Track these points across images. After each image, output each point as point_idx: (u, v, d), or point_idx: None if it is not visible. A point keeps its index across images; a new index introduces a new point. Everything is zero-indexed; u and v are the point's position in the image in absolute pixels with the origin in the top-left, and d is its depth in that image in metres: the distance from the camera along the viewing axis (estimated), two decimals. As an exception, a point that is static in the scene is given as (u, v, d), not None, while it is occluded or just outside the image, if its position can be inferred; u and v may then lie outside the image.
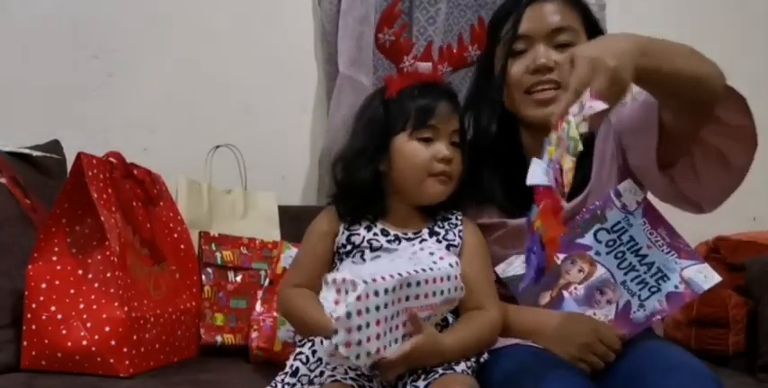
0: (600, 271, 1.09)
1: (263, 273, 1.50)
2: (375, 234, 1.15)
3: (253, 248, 1.55)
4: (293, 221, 1.68)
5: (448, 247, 1.15)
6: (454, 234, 1.16)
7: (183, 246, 1.46)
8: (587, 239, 1.13)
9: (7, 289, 1.28)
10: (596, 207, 1.15)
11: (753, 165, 1.99)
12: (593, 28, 1.26)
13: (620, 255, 1.12)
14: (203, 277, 1.46)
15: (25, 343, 1.22)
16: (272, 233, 1.67)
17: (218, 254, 1.49)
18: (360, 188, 1.15)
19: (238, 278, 1.50)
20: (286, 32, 1.90)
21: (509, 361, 1.09)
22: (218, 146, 1.77)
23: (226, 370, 1.32)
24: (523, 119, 1.26)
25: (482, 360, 1.11)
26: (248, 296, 1.48)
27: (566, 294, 1.13)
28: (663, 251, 1.12)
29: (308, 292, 1.11)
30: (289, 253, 1.48)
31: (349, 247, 1.14)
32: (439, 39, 1.81)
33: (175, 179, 1.59)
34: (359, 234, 1.15)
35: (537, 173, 0.90)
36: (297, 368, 1.08)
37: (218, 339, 1.43)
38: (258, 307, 1.42)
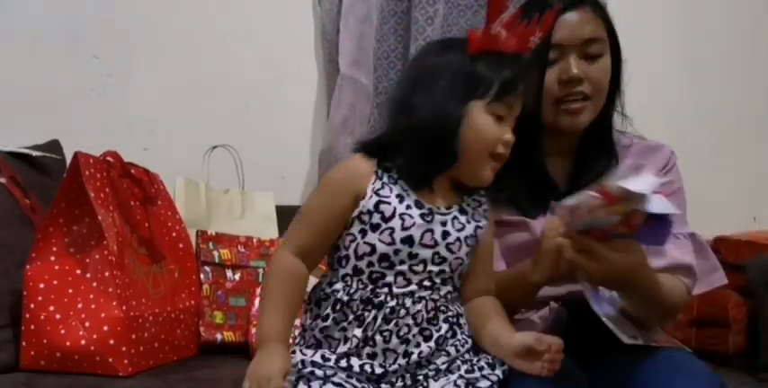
0: None
1: (260, 271, 1.51)
2: (408, 207, 1.03)
3: (250, 246, 1.55)
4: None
5: (476, 228, 1.08)
6: (480, 215, 1.10)
7: (181, 245, 1.46)
8: None
9: (6, 289, 1.28)
10: None
11: (752, 165, 2.00)
12: (614, 37, 1.25)
13: None
14: (201, 275, 1.47)
15: (24, 343, 1.22)
16: (271, 233, 1.67)
17: (215, 253, 1.49)
18: (432, 142, 1.02)
19: (237, 276, 1.51)
20: (286, 32, 1.90)
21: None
22: (215, 147, 1.77)
23: (225, 367, 1.31)
24: (549, 125, 1.26)
25: None
26: (247, 294, 1.49)
27: None
28: None
29: (299, 282, 1.04)
30: (286, 251, 1.49)
31: (377, 217, 1.02)
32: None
33: (174, 178, 1.59)
34: (389, 204, 1.02)
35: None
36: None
37: (218, 336, 1.44)
38: (257, 304, 1.43)
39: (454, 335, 1.06)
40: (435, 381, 1.01)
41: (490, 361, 1.05)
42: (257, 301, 1.44)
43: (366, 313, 1.03)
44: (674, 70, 1.98)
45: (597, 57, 1.20)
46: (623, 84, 1.29)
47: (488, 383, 1.00)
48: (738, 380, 1.39)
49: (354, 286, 1.04)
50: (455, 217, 1.07)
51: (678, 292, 1.17)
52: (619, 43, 1.27)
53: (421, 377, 1.02)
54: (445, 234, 1.05)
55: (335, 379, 0.98)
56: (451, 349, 1.05)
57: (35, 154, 1.51)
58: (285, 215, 1.72)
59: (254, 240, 1.56)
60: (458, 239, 1.06)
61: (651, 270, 1.08)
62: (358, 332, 1.02)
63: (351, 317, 1.03)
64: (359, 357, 1.02)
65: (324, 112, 1.89)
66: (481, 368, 1.03)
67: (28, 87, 1.78)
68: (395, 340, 1.02)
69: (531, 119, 1.24)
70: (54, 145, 1.62)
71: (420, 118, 1.03)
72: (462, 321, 1.09)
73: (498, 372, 1.03)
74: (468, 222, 1.08)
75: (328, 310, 1.03)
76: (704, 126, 1.98)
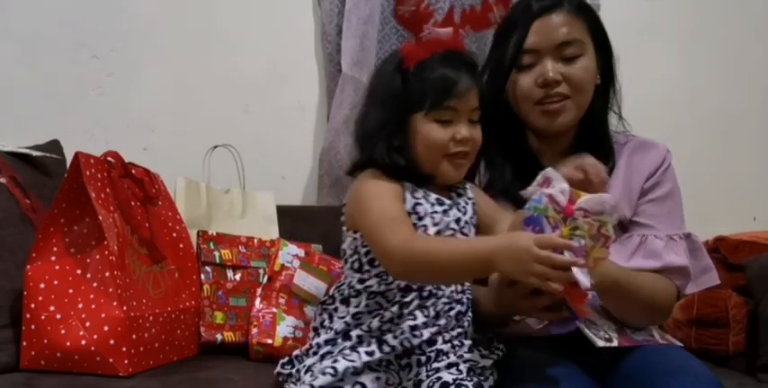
0: None
1: (261, 271, 1.51)
2: (433, 205, 1.11)
3: (251, 247, 1.55)
4: (292, 220, 1.69)
5: (472, 204, 1.16)
6: (470, 193, 1.17)
7: (182, 245, 1.46)
8: None
9: (7, 289, 1.28)
10: None
11: (752, 165, 2.01)
12: (601, 36, 1.26)
13: None
14: (202, 275, 1.47)
15: (24, 343, 1.22)
16: (271, 233, 1.67)
17: (216, 253, 1.49)
18: (389, 163, 1.10)
19: (237, 277, 1.51)
20: (286, 32, 1.90)
21: (516, 358, 1.10)
22: (215, 147, 1.77)
23: (226, 368, 1.32)
24: (531, 127, 1.27)
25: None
26: (248, 294, 1.49)
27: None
28: None
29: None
30: (287, 250, 1.49)
31: (414, 218, 1.08)
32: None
33: (174, 178, 1.59)
34: (422, 205, 1.10)
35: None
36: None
37: (219, 337, 1.44)
38: (258, 304, 1.44)
39: (467, 312, 1.13)
40: (440, 362, 1.06)
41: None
42: (257, 301, 1.44)
43: (404, 298, 1.08)
44: (673, 70, 1.98)
45: (575, 58, 1.21)
46: (617, 83, 1.30)
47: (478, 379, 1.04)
48: (738, 380, 1.39)
49: (390, 278, 1.09)
50: (457, 203, 1.14)
51: (665, 293, 1.19)
52: (607, 41, 1.27)
53: (432, 354, 1.07)
54: (458, 221, 1.12)
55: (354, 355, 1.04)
56: (465, 323, 1.12)
57: (35, 154, 1.51)
58: (285, 215, 1.72)
59: (255, 240, 1.57)
60: (466, 222, 1.13)
61: (620, 273, 1.12)
62: (395, 309, 1.07)
63: (386, 304, 1.09)
64: (391, 332, 1.06)
65: (324, 112, 1.89)
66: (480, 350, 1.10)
67: (28, 87, 1.78)
68: (432, 313, 1.08)
69: (513, 121, 1.26)
70: (54, 145, 1.62)
71: (373, 148, 1.10)
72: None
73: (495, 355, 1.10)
74: (466, 203, 1.16)
75: (361, 300, 1.09)
76: (704, 126, 1.99)
